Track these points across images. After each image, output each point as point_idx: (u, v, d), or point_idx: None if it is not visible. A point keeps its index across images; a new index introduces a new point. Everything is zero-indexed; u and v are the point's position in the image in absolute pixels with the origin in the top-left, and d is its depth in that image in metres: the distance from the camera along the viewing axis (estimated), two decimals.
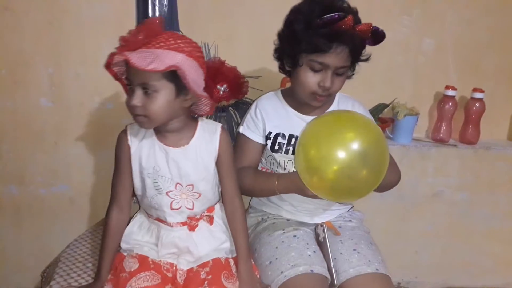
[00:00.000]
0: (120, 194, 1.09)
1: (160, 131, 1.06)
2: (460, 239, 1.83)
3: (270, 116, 1.25)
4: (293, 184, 1.11)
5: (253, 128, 1.26)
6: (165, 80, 0.95)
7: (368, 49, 1.25)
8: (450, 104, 1.73)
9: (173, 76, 0.95)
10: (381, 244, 1.27)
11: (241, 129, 1.28)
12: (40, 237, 1.64)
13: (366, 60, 1.20)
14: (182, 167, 1.04)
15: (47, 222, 1.63)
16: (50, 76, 1.53)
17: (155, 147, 1.05)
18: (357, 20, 1.12)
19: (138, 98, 0.96)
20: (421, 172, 1.73)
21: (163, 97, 0.96)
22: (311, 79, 1.13)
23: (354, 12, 1.12)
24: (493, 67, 1.77)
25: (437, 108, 1.77)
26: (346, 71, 1.16)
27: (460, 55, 1.75)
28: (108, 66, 0.97)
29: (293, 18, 1.15)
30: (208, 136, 1.08)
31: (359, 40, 1.12)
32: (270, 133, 1.24)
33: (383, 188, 1.19)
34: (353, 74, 1.23)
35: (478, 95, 1.72)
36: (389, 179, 1.20)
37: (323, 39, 1.08)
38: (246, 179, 1.20)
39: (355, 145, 0.98)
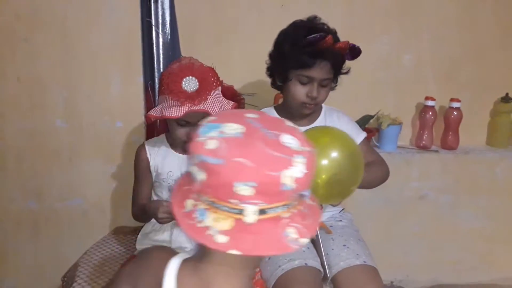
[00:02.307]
0: (141, 200, 1.25)
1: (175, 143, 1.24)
2: (446, 239, 1.94)
3: None
4: None
5: None
6: None
7: (353, 65, 1.41)
8: (430, 113, 1.88)
9: None
10: (372, 245, 1.37)
11: None
12: (56, 248, 1.76)
13: (347, 73, 1.36)
14: None
15: (63, 234, 1.76)
16: (64, 99, 1.68)
17: (170, 156, 1.22)
18: (336, 39, 1.29)
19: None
20: (406, 177, 1.86)
21: None
22: (300, 91, 1.29)
23: (333, 33, 1.29)
24: (467, 78, 1.92)
25: (418, 118, 1.92)
26: (329, 83, 1.32)
27: (437, 68, 1.90)
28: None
29: (282, 40, 1.32)
30: None
31: (339, 55, 1.28)
32: None
33: (372, 183, 1.34)
34: (336, 86, 1.38)
35: (455, 104, 1.87)
36: (376, 174, 1.35)
37: (308, 56, 1.25)
38: None
39: (334, 153, 1.12)
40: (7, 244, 1.75)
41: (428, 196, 1.89)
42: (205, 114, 1.14)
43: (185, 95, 1.13)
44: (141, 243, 1.25)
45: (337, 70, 1.32)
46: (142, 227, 1.33)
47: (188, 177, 0.69)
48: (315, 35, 1.24)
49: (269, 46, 1.39)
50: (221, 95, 1.23)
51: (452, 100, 1.88)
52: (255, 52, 1.54)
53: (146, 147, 1.28)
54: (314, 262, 1.25)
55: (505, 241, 1.95)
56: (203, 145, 0.63)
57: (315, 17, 1.31)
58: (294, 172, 0.62)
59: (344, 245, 1.32)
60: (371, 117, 1.84)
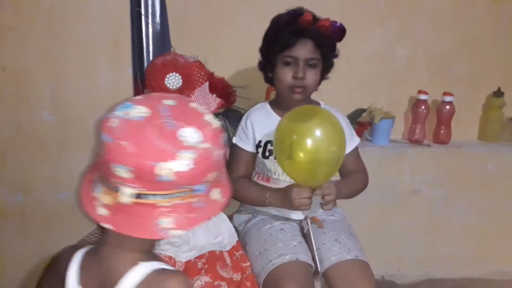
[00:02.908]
0: None
1: None
2: (439, 233, 1.94)
3: (260, 126, 1.38)
4: (282, 202, 1.26)
5: (244, 139, 1.39)
6: None
7: (346, 58, 1.40)
8: (423, 107, 1.87)
9: None
10: (365, 240, 1.37)
11: (234, 140, 1.41)
12: (44, 242, 1.73)
13: (336, 56, 1.35)
14: None
15: (50, 228, 1.72)
16: (52, 90, 1.64)
17: None
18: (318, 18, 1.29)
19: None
20: (399, 171, 1.86)
21: None
22: (286, 73, 1.28)
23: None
24: (460, 73, 1.91)
25: (411, 112, 1.91)
26: (317, 64, 1.29)
27: (430, 63, 1.89)
28: None
29: (267, 30, 1.34)
30: None
31: (322, 34, 1.27)
32: (260, 141, 1.36)
33: (351, 195, 1.37)
34: (328, 72, 1.36)
35: (448, 98, 1.86)
36: (356, 188, 1.38)
37: (288, 35, 1.25)
38: (241, 189, 1.32)
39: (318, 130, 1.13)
40: None
41: (420, 190, 1.89)
42: None
43: (168, 93, 1.11)
44: None
45: (323, 50, 1.29)
46: None
47: None
48: (290, 11, 1.27)
49: (261, 38, 1.37)
50: (208, 91, 1.21)
51: (444, 94, 1.87)
52: (247, 44, 1.52)
53: None
54: (306, 257, 1.23)
55: (497, 235, 1.96)
56: (106, 122, 0.67)
57: (301, 8, 1.30)
58: (176, 165, 0.63)
59: (335, 240, 1.30)
60: (364, 110, 1.83)
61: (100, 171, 0.68)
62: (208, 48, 1.63)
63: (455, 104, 1.87)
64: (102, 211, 0.67)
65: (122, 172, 0.64)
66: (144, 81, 1.56)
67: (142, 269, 0.70)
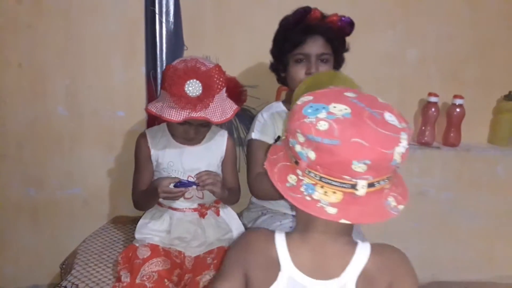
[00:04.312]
0: (141, 188, 1.25)
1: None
2: (446, 236, 1.93)
3: (277, 122, 1.39)
4: None
5: (264, 132, 1.36)
6: None
7: (356, 60, 1.41)
8: (433, 109, 1.87)
9: None
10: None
11: (253, 135, 1.36)
12: (55, 236, 1.76)
13: (347, 50, 1.38)
14: (193, 162, 1.19)
15: (62, 222, 1.75)
16: (66, 87, 1.67)
17: (170, 146, 1.21)
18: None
19: None
20: (407, 172, 1.81)
21: None
22: (298, 70, 1.30)
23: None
24: (471, 75, 1.90)
25: (421, 114, 1.91)
26: (329, 59, 1.31)
27: (441, 65, 1.89)
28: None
29: (276, 31, 1.36)
30: (217, 138, 1.25)
31: (331, 29, 1.29)
32: (279, 136, 1.37)
33: None
34: (340, 67, 1.38)
35: (458, 101, 1.86)
36: None
37: (298, 33, 1.27)
38: (264, 185, 1.27)
39: None
40: (7, 231, 1.76)
41: (428, 192, 1.89)
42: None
43: (187, 100, 1.10)
44: (140, 232, 1.25)
45: (334, 45, 1.31)
46: (141, 216, 1.33)
47: (279, 152, 0.75)
48: (299, 8, 1.29)
49: (272, 38, 1.39)
50: (225, 97, 1.20)
51: (455, 97, 1.87)
52: (258, 43, 1.53)
53: (147, 136, 1.27)
54: None
55: (505, 239, 1.95)
56: (315, 126, 0.67)
57: (308, 7, 1.32)
58: (401, 148, 0.67)
59: None
60: None
61: (321, 173, 0.69)
62: (219, 47, 1.65)
63: (466, 107, 1.86)
64: (331, 210, 0.69)
65: (359, 167, 0.66)
66: (157, 80, 1.60)
67: (363, 249, 0.77)
